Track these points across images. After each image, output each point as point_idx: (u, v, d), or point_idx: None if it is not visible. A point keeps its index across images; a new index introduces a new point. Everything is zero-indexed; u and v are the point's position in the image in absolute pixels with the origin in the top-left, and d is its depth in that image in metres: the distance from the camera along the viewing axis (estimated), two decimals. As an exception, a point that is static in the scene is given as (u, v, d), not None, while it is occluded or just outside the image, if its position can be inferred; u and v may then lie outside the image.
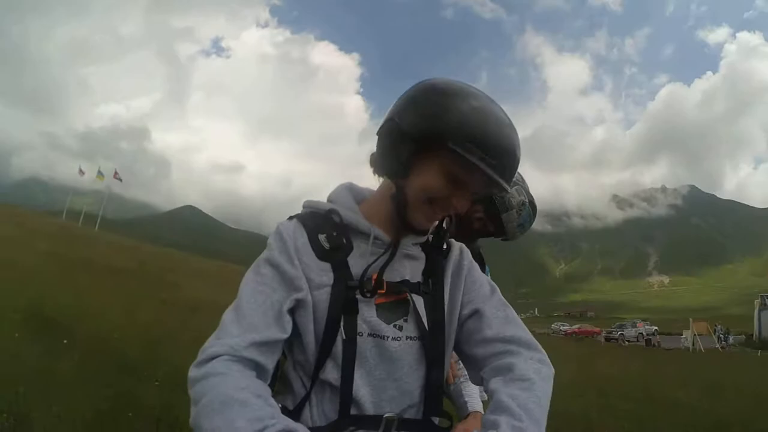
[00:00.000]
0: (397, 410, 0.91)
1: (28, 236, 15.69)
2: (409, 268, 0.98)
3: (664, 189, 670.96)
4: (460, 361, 1.59)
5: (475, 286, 1.03)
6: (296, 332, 0.91)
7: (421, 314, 0.94)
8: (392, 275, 0.94)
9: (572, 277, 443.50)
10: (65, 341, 5.21)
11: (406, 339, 0.93)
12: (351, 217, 0.96)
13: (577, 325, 56.70)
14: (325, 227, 0.96)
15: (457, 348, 1.03)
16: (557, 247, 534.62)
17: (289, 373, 0.95)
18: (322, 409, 0.90)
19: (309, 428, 0.81)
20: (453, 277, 1.02)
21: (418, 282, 0.97)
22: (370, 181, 1.04)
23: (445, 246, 1.05)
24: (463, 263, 1.05)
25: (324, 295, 0.90)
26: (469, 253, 1.09)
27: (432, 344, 0.94)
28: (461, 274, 1.03)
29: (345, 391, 0.88)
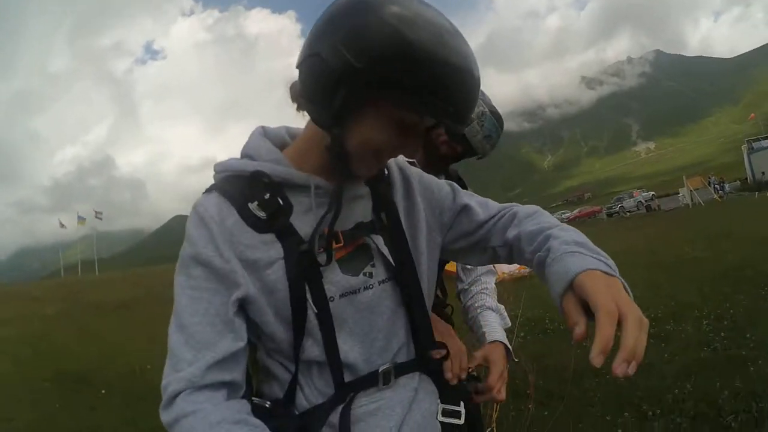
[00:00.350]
0: (389, 359, 0.85)
1: (34, 307, 15.68)
2: (358, 209, 0.87)
3: (630, 60, 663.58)
4: (476, 291, 1.58)
5: (435, 193, 0.96)
6: (256, 326, 0.80)
7: (384, 253, 0.85)
8: (344, 223, 0.83)
9: (561, 166, 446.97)
10: (103, 391, 5.37)
11: (379, 284, 0.85)
12: (282, 172, 0.81)
13: (577, 210, 57.45)
14: (254, 192, 0.80)
15: (458, 247, 0.97)
16: (539, 142, 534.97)
17: (265, 361, 0.85)
18: (314, 388, 0.82)
19: (307, 411, 0.81)
20: (405, 200, 0.93)
21: (372, 220, 0.88)
22: None
23: (386, 172, 0.94)
24: (410, 181, 0.95)
25: (279, 272, 0.77)
26: (410, 166, 1.00)
27: (405, 279, 0.87)
28: (412, 194, 0.94)
29: (334, 363, 0.81)
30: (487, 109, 1.54)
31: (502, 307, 1.58)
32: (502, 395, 1.18)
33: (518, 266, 10.99)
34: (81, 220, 48.63)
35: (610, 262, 0.70)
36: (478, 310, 1.51)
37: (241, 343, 0.77)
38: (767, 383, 3.11)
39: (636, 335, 0.58)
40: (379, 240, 0.86)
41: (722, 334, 4.29)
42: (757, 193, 26.58)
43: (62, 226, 51.06)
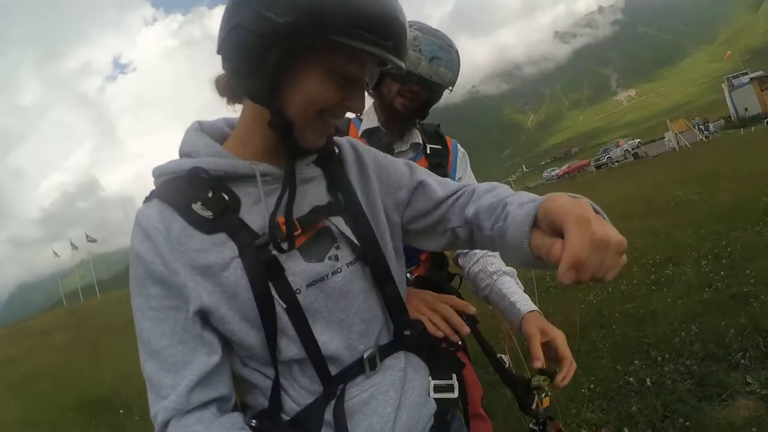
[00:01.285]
0: (371, 343, 0.82)
1: (44, 340, 15.75)
2: (311, 192, 0.83)
3: (601, 9, 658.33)
4: (482, 255, 1.41)
5: (391, 171, 0.92)
6: (223, 337, 0.76)
7: (347, 234, 0.81)
8: (298, 209, 0.79)
9: (545, 123, 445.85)
10: (121, 411, 5.41)
11: (347, 266, 0.80)
12: (222, 164, 0.76)
13: (566, 165, 57.48)
14: (196, 192, 0.74)
15: (416, 228, 0.92)
16: (521, 101, 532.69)
17: (242, 371, 0.80)
18: (300, 387, 0.78)
19: (298, 413, 0.77)
20: (359, 177, 0.89)
21: (329, 201, 0.83)
22: None
23: (337, 150, 0.90)
24: (363, 158, 0.91)
25: (237, 271, 0.72)
26: (363, 145, 0.95)
27: (373, 258, 0.83)
28: (366, 169, 0.90)
29: (315, 359, 0.76)
30: (418, 33, 1.37)
31: (513, 269, 1.40)
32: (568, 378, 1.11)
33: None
34: (74, 246, 48.29)
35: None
36: (494, 277, 1.36)
37: (217, 357, 0.73)
38: (771, 317, 3.14)
39: (601, 258, 0.53)
40: (339, 221, 0.82)
41: (722, 273, 4.34)
42: (742, 129, 26.78)
43: (56, 255, 50.99)
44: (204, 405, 0.72)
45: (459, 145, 1.56)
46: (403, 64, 0.72)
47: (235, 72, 0.73)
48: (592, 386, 3.03)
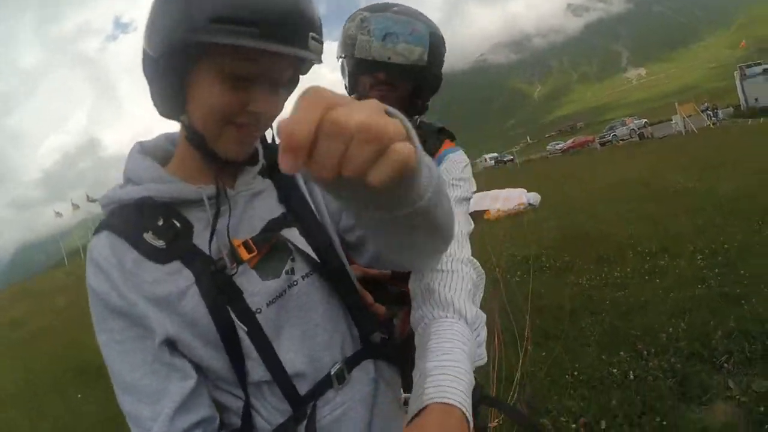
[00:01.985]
0: (337, 353, 0.81)
1: (43, 300, 15.97)
2: (262, 206, 0.81)
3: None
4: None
5: None
6: (192, 364, 0.74)
7: (302, 246, 0.79)
8: (252, 226, 0.78)
9: (552, 95, 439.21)
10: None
11: (303, 279, 0.79)
12: (168, 191, 0.74)
13: (570, 140, 56.59)
14: (146, 221, 0.72)
15: (347, 239, 0.88)
16: (528, 72, 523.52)
17: (213, 393, 0.78)
18: (271, 407, 0.76)
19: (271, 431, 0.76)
20: (307, 184, 0.88)
21: (282, 213, 0.81)
22: None
23: None
24: None
25: (194, 298, 0.71)
26: None
27: (329, 267, 0.81)
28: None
29: (281, 380, 0.75)
30: (366, 13, 1.15)
31: (483, 315, 0.89)
32: None
33: (518, 202, 11.07)
34: (75, 206, 48.48)
35: None
36: (419, 328, 0.85)
37: (192, 381, 0.72)
38: (760, 323, 3.15)
39: (337, 145, 0.37)
40: (293, 233, 0.79)
41: (716, 270, 4.30)
42: (750, 119, 26.35)
43: (58, 214, 51.23)
44: (188, 431, 0.71)
45: (454, 154, 1.22)
46: (295, 49, 0.66)
47: (150, 94, 0.73)
48: (575, 373, 3.09)
